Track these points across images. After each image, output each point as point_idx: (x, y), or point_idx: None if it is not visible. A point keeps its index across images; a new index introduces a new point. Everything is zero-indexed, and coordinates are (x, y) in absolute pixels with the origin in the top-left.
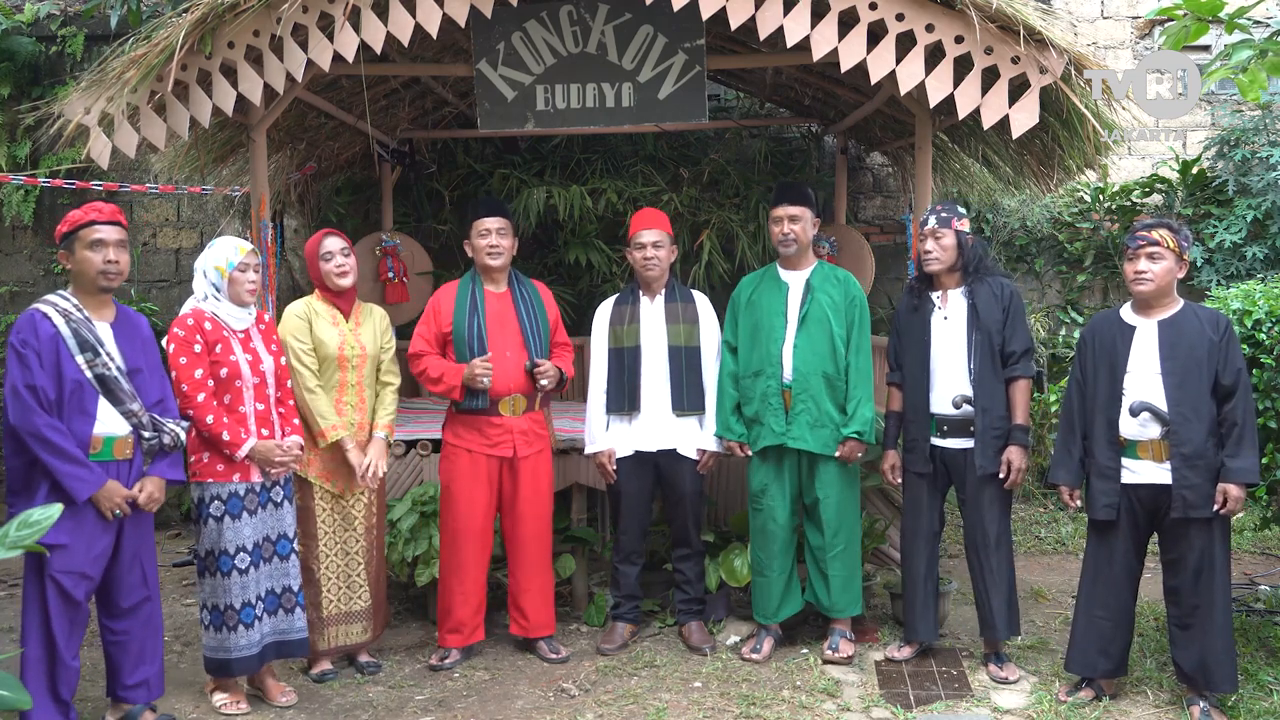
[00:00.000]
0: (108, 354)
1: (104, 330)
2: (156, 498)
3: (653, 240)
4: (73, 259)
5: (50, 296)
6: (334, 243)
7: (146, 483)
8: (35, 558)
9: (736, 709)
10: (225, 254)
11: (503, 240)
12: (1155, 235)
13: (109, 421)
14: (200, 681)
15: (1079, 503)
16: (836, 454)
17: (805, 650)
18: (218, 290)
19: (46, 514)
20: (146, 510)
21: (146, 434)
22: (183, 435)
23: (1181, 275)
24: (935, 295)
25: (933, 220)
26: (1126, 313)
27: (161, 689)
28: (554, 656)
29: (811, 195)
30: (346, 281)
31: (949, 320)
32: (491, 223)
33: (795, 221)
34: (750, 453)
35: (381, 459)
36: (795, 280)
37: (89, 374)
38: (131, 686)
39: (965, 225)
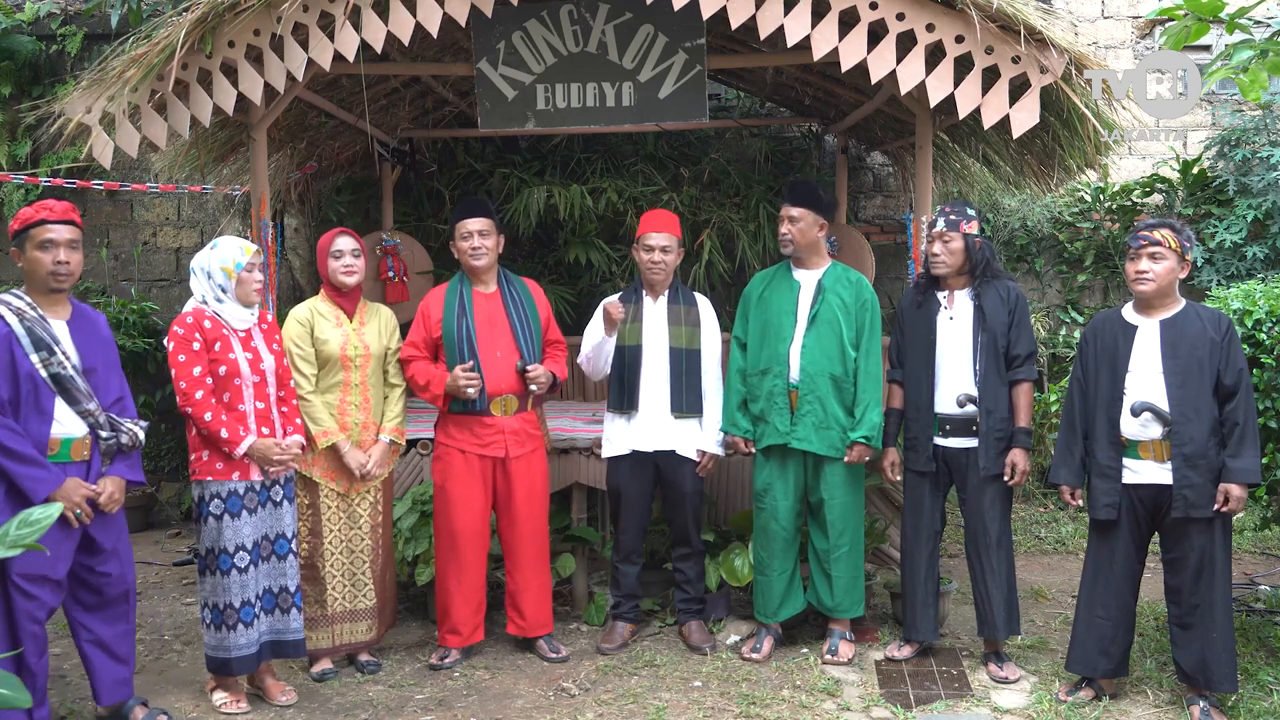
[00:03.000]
0: (63, 352)
1: (59, 329)
2: (117, 498)
3: (661, 245)
4: (24, 258)
5: (4, 295)
6: (347, 243)
7: (106, 483)
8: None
9: (736, 708)
10: (233, 255)
11: (485, 241)
12: (1157, 235)
13: (66, 422)
14: (200, 681)
15: (1080, 502)
16: (845, 459)
17: (805, 650)
18: (224, 291)
19: (47, 513)
20: (107, 511)
21: (104, 434)
22: (141, 435)
23: (1184, 276)
24: (941, 295)
25: (941, 223)
26: (1128, 312)
27: (131, 691)
28: (554, 656)
29: (819, 197)
30: (352, 280)
31: (955, 320)
32: (473, 224)
33: (794, 223)
34: (754, 449)
35: (383, 463)
36: (807, 280)
37: (44, 373)
38: (107, 685)
39: (974, 227)
